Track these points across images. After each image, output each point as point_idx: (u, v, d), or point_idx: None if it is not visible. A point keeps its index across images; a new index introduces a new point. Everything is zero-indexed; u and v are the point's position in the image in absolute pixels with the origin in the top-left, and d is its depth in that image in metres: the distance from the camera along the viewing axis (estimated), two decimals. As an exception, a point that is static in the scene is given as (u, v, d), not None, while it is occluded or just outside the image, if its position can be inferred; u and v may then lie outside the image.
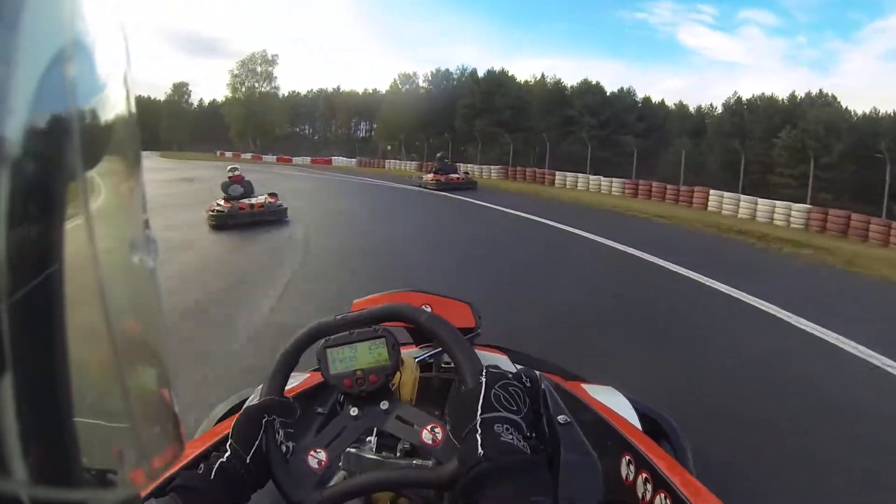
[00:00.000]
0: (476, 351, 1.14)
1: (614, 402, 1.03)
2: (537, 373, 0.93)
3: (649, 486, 0.71)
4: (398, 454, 0.79)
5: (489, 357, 1.13)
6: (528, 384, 0.83)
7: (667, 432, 1.06)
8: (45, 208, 0.24)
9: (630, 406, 1.05)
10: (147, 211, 0.32)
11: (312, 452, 0.72)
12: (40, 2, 0.23)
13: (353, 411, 0.75)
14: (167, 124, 64.91)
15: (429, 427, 0.72)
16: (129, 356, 0.29)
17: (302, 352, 0.81)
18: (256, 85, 56.11)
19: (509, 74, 43.79)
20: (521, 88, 42.98)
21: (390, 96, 50.91)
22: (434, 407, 0.87)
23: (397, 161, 35.32)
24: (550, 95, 40.07)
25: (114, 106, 0.28)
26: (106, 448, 0.27)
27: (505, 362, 1.12)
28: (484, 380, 0.70)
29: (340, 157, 40.90)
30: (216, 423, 1.06)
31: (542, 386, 0.95)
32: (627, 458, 0.77)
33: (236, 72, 55.90)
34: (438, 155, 20.66)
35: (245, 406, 0.79)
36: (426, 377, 0.93)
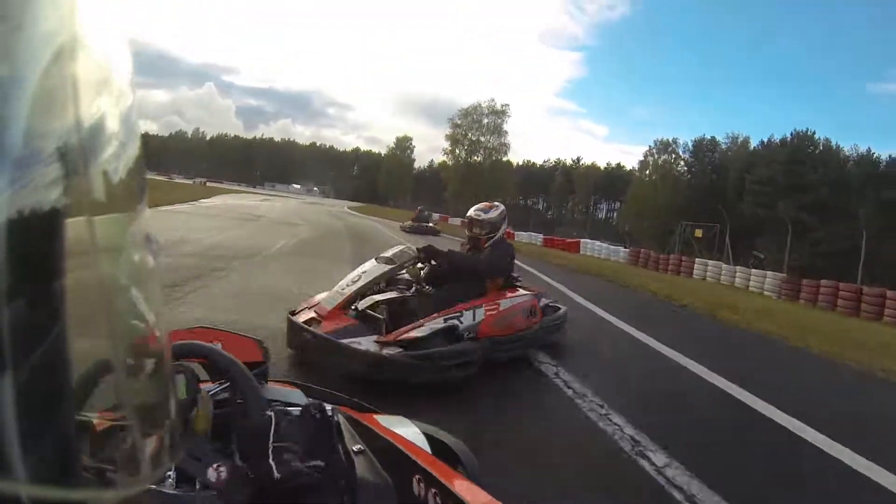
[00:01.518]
0: (272, 386, 1.21)
1: (405, 431, 1.13)
2: (328, 406, 1.01)
3: (438, 500, 0.80)
4: (198, 486, 0.78)
5: (283, 392, 1.21)
6: (318, 416, 0.94)
7: (457, 454, 1.16)
8: (45, 209, 0.24)
9: (419, 432, 1.16)
10: (147, 209, 0.32)
11: None
12: (40, 1, 0.23)
13: None
14: (386, 180, 61.49)
15: (214, 466, 0.76)
16: (129, 356, 0.29)
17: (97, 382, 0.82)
18: (482, 139, 45.76)
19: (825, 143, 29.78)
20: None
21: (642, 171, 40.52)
22: (227, 440, 0.92)
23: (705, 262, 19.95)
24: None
25: (115, 105, 0.28)
26: (106, 448, 0.27)
27: (298, 396, 1.20)
28: (272, 414, 0.81)
29: (596, 242, 27.23)
30: None
31: (335, 418, 1.02)
32: (417, 478, 0.85)
33: (458, 121, 46.78)
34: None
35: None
36: (222, 412, 0.96)
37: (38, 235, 0.24)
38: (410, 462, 0.89)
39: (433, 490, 0.80)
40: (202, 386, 0.92)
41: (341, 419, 1.05)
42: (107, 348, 0.27)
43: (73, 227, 0.26)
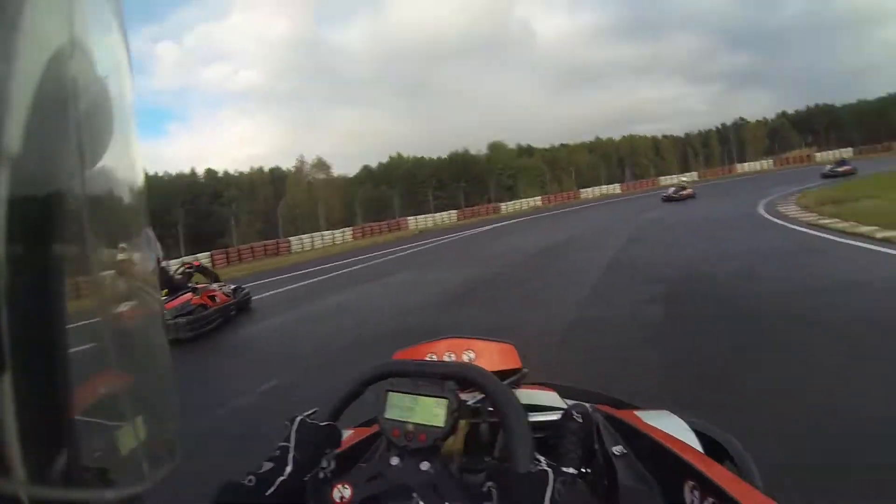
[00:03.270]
0: (525, 390, 1.12)
1: (671, 427, 1.00)
2: (589, 407, 0.91)
3: None
4: None
5: (538, 395, 1.12)
6: (581, 420, 0.83)
7: (729, 452, 1.01)
8: (44, 207, 0.24)
9: (688, 428, 1.03)
10: (147, 209, 0.32)
11: (340, 486, 0.69)
12: (40, 1, 0.23)
13: (394, 460, 0.72)
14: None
15: None
16: (129, 357, 0.29)
17: (369, 385, 0.79)
18: None
19: None
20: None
21: None
22: (482, 453, 0.85)
23: None
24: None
25: (114, 105, 0.28)
26: (106, 448, 0.27)
27: (554, 398, 1.11)
28: (550, 475, 0.66)
29: None
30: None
31: (595, 419, 0.92)
32: (691, 484, 0.74)
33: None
34: None
35: (307, 424, 0.76)
36: (474, 422, 0.89)
37: (39, 235, 0.24)
38: (681, 464, 0.78)
39: (710, 499, 0.69)
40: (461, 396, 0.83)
41: (600, 419, 0.97)
42: (107, 349, 0.27)
43: (73, 227, 0.26)
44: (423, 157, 49.56)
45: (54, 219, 0.24)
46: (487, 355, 0.90)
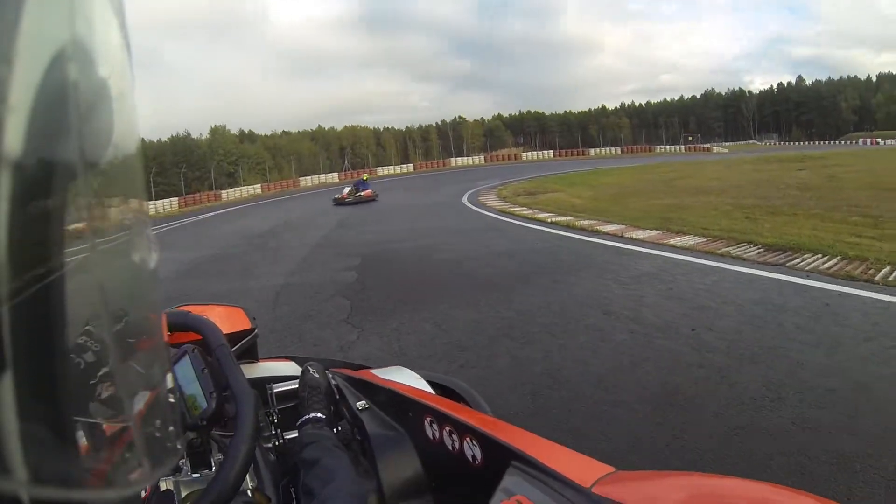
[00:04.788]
0: (264, 363, 1.20)
1: (405, 378, 1.10)
2: (328, 372, 0.99)
3: (455, 437, 0.77)
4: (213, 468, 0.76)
5: (277, 367, 1.19)
6: (317, 375, 0.93)
7: (459, 393, 1.13)
8: (45, 208, 0.24)
9: (419, 377, 1.13)
10: (148, 209, 0.33)
11: None
12: (40, 2, 0.23)
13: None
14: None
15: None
16: (128, 357, 0.29)
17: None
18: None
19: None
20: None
21: None
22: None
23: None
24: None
25: (115, 105, 0.28)
26: (106, 448, 0.27)
27: (292, 368, 1.18)
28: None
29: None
30: None
31: (333, 382, 1.00)
32: (429, 419, 0.83)
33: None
34: None
35: None
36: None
37: (39, 236, 0.24)
38: (418, 406, 0.87)
39: (447, 427, 0.78)
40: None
41: (339, 381, 1.04)
42: (106, 349, 0.27)
43: (73, 227, 0.26)
44: (143, 139, 48.97)
45: (54, 220, 0.24)
46: (219, 319, 0.95)
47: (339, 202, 17.88)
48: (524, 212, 9.94)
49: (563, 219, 8.38)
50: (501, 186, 17.40)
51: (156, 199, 34.13)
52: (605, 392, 2.62)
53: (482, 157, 55.53)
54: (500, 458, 0.66)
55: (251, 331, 1.18)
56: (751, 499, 0.51)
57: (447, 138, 68.17)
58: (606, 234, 7.01)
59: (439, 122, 72.65)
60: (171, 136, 49.05)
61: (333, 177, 45.17)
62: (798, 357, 2.77)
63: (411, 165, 50.77)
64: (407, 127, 71.48)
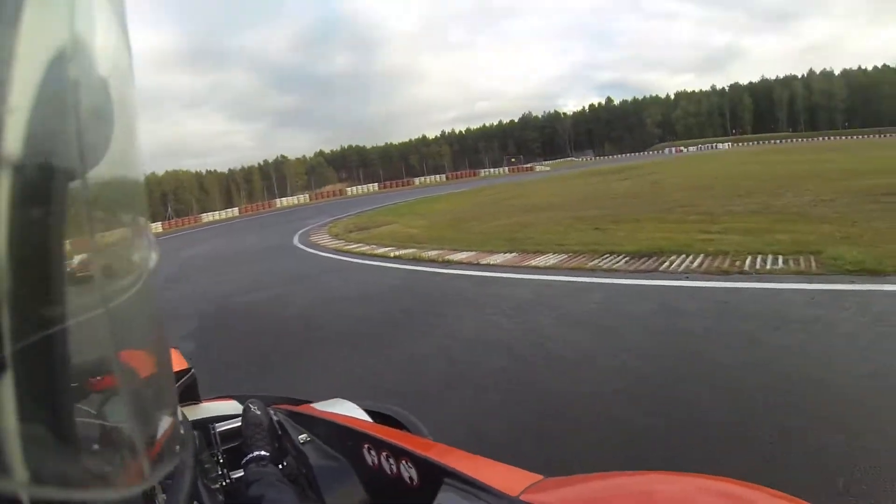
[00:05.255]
0: (207, 404, 1.21)
1: (344, 410, 1.13)
2: (269, 409, 1.02)
3: (392, 461, 0.79)
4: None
5: (221, 406, 1.21)
6: (259, 411, 0.96)
7: (398, 420, 1.16)
8: (45, 208, 0.24)
9: (357, 408, 1.16)
10: (148, 210, 0.32)
11: None
12: (41, 1, 0.23)
13: None
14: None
15: None
16: (129, 357, 0.29)
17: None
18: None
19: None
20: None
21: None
22: None
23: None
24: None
25: (115, 105, 0.28)
26: (106, 448, 0.27)
27: (234, 407, 1.20)
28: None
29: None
30: None
31: (276, 418, 1.04)
32: (367, 446, 0.85)
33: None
34: None
35: None
36: None
37: (39, 237, 0.24)
38: (356, 434, 0.89)
39: (384, 452, 0.81)
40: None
41: (281, 416, 1.06)
42: (106, 349, 0.27)
43: (74, 228, 0.26)
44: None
45: (54, 219, 0.24)
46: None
47: None
48: (361, 248, 9.31)
49: (406, 251, 7.80)
50: (331, 223, 16.45)
51: None
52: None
53: (307, 196, 55.72)
54: (434, 476, 0.69)
55: (188, 370, 1.21)
56: (675, 492, 0.53)
57: (270, 179, 68.70)
58: (460, 262, 6.38)
59: (262, 163, 73.35)
60: None
61: (157, 227, 41.81)
62: (744, 359, 2.58)
63: (236, 209, 49.54)
64: (230, 169, 71.28)
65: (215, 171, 70.50)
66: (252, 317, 5.40)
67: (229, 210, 49.62)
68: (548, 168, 51.17)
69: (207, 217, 44.43)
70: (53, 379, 0.24)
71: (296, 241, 13.12)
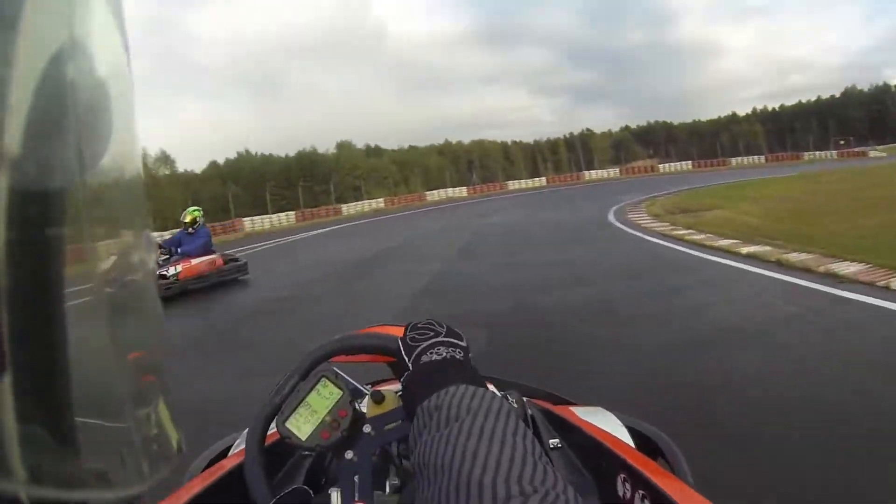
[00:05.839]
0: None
1: (605, 423, 1.02)
2: (524, 399, 0.90)
3: (647, 503, 0.70)
4: (388, 491, 0.73)
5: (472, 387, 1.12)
6: (515, 405, 0.82)
7: (661, 449, 1.04)
8: (44, 209, 0.24)
9: (621, 425, 1.05)
10: (148, 211, 0.32)
11: None
12: (40, 1, 0.23)
13: (349, 454, 0.70)
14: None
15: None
16: (128, 357, 0.29)
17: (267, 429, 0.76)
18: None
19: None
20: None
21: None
22: None
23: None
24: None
25: (114, 105, 0.28)
26: (106, 448, 0.27)
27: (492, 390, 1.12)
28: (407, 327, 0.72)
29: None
30: (200, 473, 1.00)
31: (529, 412, 0.92)
32: (623, 476, 0.76)
33: None
34: None
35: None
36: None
37: (38, 237, 0.24)
38: (613, 458, 0.80)
39: (640, 491, 0.72)
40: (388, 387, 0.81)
41: (536, 413, 0.98)
42: (106, 349, 0.27)
43: (73, 228, 0.26)
44: (271, 155, 48.75)
45: (54, 220, 0.25)
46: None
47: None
48: (694, 236, 7.46)
49: (758, 249, 5.67)
50: (648, 202, 14.68)
51: (276, 213, 34.09)
52: None
53: (616, 170, 53.32)
54: None
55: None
56: None
57: (576, 151, 66.93)
58: (862, 282, 4.01)
59: (567, 135, 71.68)
60: (298, 151, 49.57)
61: (462, 191, 42.93)
62: None
63: (543, 179, 48.55)
64: (535, 140, 70.76)
65: (521, 141, 70.30)
66: (575, 337, 3.40)
67: (535, 179, 48.18)
68: (883, 154, 42.10)
69: (513, 185, 43.49)
70: (53, 379, 0.24)
71: (611, 217, 11.76)
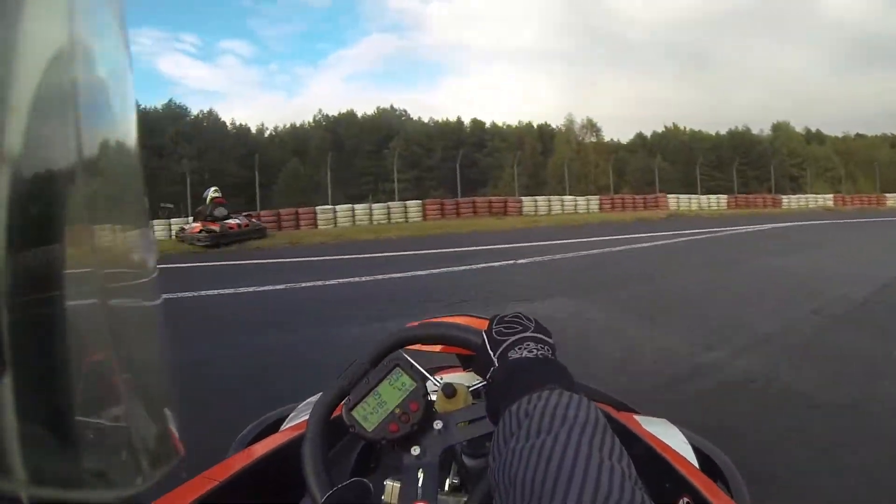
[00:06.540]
0: None
1: (668, 436, 0.97)
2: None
3: None
4: (447, 489, 0.70)
5: None
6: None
7: (721, 470, 0.99)
8: (45, 209, 0.24)
9: (685, 440, 0.99)
10: (148, 210, 0.32)
11: None
12: (40, 1, 0.23)
13: (416, 450, 0.67)
14: None
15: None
16: (129, 358, 0.29)
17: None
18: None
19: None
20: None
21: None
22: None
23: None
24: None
25: (114, 106, 0.28)
26: (106, 448, 0.27)
27: None
28: (492, 320, 0.67)
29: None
30: (247, 445, 0.98)
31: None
32: (686, 500, 0.72)
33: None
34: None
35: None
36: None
37: (38, 237, 0.24)
38: (677, 477, 0.76)
39: None
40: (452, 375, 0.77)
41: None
42: (106, 349, 0.27)
43: (73, 228, 0.26)
44: (700, 131, 41.68)
45: (54, 220, 0.24)
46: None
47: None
48: None
49: None
50: None
51: (707, 194, 28.28)
52: None
53: None
54: None
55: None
56: None
57: None
58: None
59: None
60: (729, 129, 42.23)
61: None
62: None
63: None
64: None
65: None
66: None
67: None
68: None
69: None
70: (53, 379, 0.24)
71: None
